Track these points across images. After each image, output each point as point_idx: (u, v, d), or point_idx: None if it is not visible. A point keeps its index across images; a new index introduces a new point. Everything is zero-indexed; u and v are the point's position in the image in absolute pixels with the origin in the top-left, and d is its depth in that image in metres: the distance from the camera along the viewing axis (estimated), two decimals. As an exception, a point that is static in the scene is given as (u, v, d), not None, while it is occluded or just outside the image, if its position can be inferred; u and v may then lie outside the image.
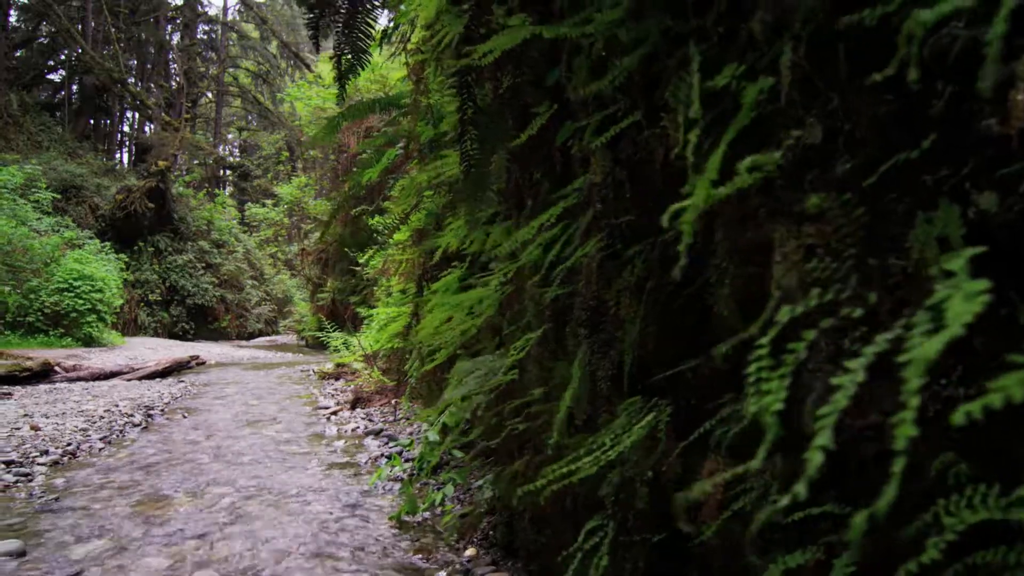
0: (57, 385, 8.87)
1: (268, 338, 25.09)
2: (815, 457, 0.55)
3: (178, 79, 28.63)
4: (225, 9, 32.31)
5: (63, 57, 28.63)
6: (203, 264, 23.59)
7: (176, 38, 29.20)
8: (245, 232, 28.29)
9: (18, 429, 5.12)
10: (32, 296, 13.32)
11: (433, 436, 3.11)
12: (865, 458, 0.78)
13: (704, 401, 1.06)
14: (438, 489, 3.65)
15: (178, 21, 29.10)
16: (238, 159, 36.27)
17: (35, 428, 5.13)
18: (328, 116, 19.65)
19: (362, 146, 6.05)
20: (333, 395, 8.03)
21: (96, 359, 11.98)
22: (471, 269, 2.74)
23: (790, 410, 0.84)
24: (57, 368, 9.80)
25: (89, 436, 5.11)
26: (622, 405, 1.12)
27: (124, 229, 21.00)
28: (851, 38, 0.72)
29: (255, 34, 32.90)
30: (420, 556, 2.73)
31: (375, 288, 7.73)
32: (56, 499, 3.53)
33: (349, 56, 2.44)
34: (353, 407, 6.80)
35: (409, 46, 4.02)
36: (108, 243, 18.15)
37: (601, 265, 1.29)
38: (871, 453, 0.77)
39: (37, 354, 10.60)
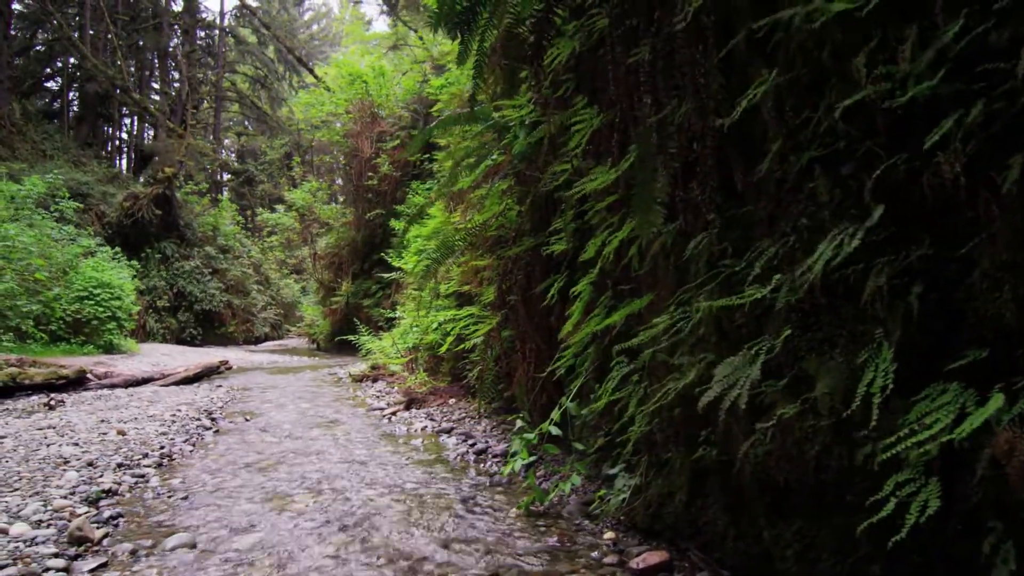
0: (99, 392, 8.99)
1: (276, 342, 25.15)
2: None
3: (177, 85, 28.57)
4: (222, 14, 32.29)
5: (60, 64, 28.50)
6: (210, 270, 23.62)
7: (174, 45, 29.11)
8: (249, 238, 28.33)
9: (105, 434, 5.28)
10: (54, 304, 13.37)
11: (555, 431, 3.35)
12: None
13: (977, 387, 1.31)
14: (545, 482, 3.89)
15: (176, 28, 29.04)
16: (236, 164, 36.21)
17: (122, 433, 5.30)
18: (327, 119, 19.89)
19: (445, 157, 6.29)
20: (379, 396, 8.22)
21: (122, 366, 12.04)
22: (603, 278, 2.98)
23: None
24: (90, 375, 9.91)
25: (173, 440, 5.29)
26: (929, 391, 1.37)
27: (131, 236, 21.02)
28: None
29: (252, 39, 32.89)
30: (564, 539, 2.96)
31: (419, 290, 7.91)
32: (184, 498, 3.73)
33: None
34: (408, 407, 7.01)
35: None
36: (118, 250, 18.21)
37: (847, 274, 1.54)
38: None
39: (67, 362, 10.67)
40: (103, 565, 2.70)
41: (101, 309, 14.22)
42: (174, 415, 6.55)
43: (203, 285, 23.02)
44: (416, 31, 18.90)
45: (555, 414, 3.57)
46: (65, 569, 2.62)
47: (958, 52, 1.27)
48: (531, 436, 3.39)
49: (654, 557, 2.55)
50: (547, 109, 3.36)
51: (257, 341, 24.89)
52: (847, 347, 1.65)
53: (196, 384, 10.34)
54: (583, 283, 3.02)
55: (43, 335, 12.52)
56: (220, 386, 9.84)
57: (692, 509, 2.52)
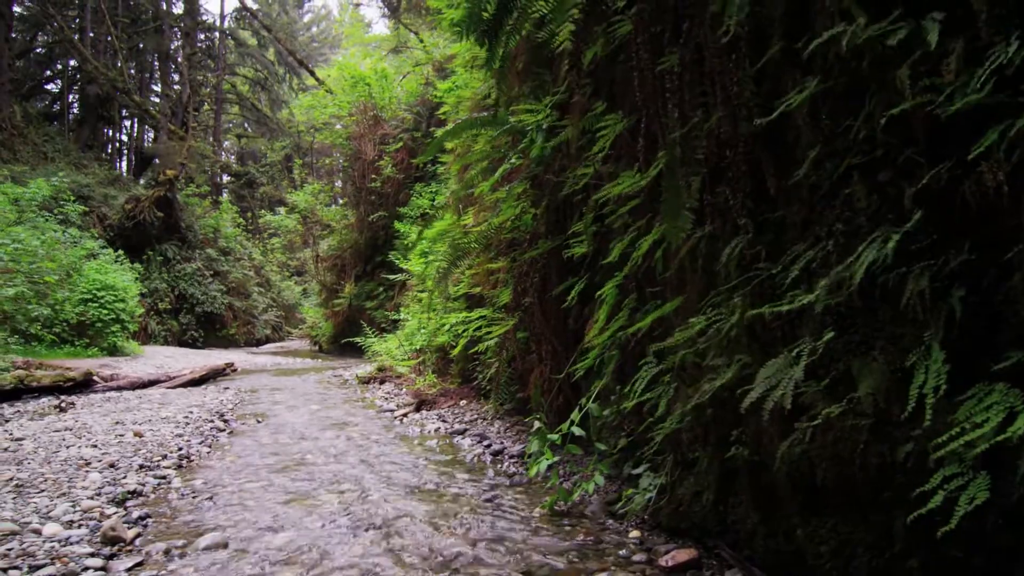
0: (107, 395, 9.00)
1: (277, 344, 25.18)
2: None
3: (178, 88, 28.59)
4: (222, 16, 32.34)
5: (60, 67, 28.53)
6: (211, 272, 23.63)
7: (175, 47, 29.13)
8: (250, 240, 28.35)
9: (122, 436, 5.31)
10: (58, 307, 13.37)
11: (578, 431, 3.39)
12: None
13: (1021, 387, 1.37)
14: (566, 481, 3.94)
15: (176, 30, 29.07)
16: (236, 167, 36.22)
17: (139, 435, 5.33)
18: (329, 122, 19.99)
19: (454, 160, 6.34)
20: (388, 398, 8.26)
21: (127, 368, 12.07)
22: (627, 281, 3.04)
23: None
24: (96, 378, 9.93)
25: (189, 442, 5.32)
26: (975, 391, 1.43)
27: (133, 238, 21.04)
28: None
29: (252, 41, 32.95)
30: (591, 538, 3.01)
31: (430, 292, 7.95)
32: (209, 498, 3.76)
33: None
34: (418, 409, 7.05)
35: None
36: (121, 252, 18.24)
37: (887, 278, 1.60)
38: None
39: (73, 364, 10.68)
40: (139, 564, 2.74)
41: (105, 311, 14.24)
42: (187, 417, 6.58)
43: (204, 287, 23.03)
44: (417, 34, 18.96)
45: (575, 415, 3.62)
46: (103, 568, 2.66)
47: (1016, 67, 1.32)
48: (555, 437, 3.44)
49: (683, 555, 2.60)
50: (568, 113, 3.41)
51: (258, 343, 24.90)
52: (885, 349, 1.70)
53: (203, 386, 10.36)
54: (609, 286, 3.07)
55: (52, 336, 12.54)
56: (227, 388, 9.87)
57: (720, 508, 2.57)
